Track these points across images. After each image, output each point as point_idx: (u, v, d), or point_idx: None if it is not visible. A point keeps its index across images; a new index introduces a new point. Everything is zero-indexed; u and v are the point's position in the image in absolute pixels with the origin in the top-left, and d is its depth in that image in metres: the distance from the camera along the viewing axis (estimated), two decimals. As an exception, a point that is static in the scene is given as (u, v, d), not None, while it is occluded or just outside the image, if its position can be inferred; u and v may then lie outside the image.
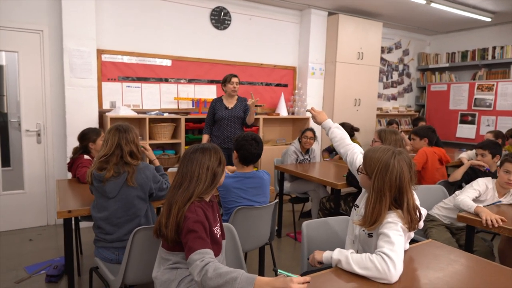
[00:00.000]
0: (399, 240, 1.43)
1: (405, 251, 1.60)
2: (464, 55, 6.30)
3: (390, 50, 6.49)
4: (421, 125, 5.06)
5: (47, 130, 3.88)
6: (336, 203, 3.07)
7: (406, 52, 6.73)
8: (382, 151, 1.61)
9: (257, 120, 4.65)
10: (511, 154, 2.58)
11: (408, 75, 6.84)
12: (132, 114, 4.04)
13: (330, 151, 4.50)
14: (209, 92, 4.79)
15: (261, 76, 5.19)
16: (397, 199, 1.56)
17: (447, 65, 6.49)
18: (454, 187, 3.38)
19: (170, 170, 3.41)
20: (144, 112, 4.27)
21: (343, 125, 4.30)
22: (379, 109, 6.33)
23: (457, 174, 3.23)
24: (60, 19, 3.74)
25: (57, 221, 4.03)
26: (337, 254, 1.46)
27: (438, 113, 6.32)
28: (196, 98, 4.58)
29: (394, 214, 1.53)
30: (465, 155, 4.16)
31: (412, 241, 1.70)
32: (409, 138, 5.17)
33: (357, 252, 1.62)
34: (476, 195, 2.53)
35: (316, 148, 4.43)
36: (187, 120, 4.31)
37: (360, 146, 4.24)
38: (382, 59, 6.31)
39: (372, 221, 1.53)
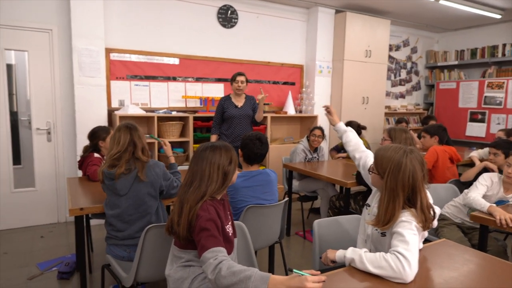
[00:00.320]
0: (414, 239, 1.42)
1: (419, 251, 1.59)
2: (473, 52, 6.24)
3: (398, 48, 6.45)
4: (431, 123, 5.02)
5: (57, 129, 3.91)
6: (346, 201, 3.06)
7: (414, 50, 6.68)
8: (394, 150, 1.60)
9: (264, 118, 4.64)
10: None
11: (417, 73, 6.78)
12: (141, 112, 4.06)
13: (338, 149, 4.48)
14: (216, 91, 4.79)
15: (269, 74, 5.18)
16: (410, 198, 1.55)
17: (456, 62, 6.43)
18: (465, 186, 3.35)
19: (178, 168, 3.42)
20: (152, 110, 4.29)
21: (350, 123, 4.28)
22: (387, 107, 6.29)
23: (470, 174, 3.20)
24: (69, 18, 3.76)
25: (68, 219, 4.07)
26: (350, 253, 1.46)
27: (447, 111, 6.26)
28: (204, 97, 4.58)
29: (408, 213, 1.52)
30: (476, 154, 4.12)
31: (425, 241, 1.69)
32: (419, 137, 5.14)
33: (370, 251, 1.61)
34: (485, 190, 2.53)
35: (324, 146, 4.41)
36: (195, 119, 4.31)
37: (368, 144, 4.25)
38: (390, 57, 6.26)
39: (386, 221, 1.52)
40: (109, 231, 2.11)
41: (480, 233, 2.30)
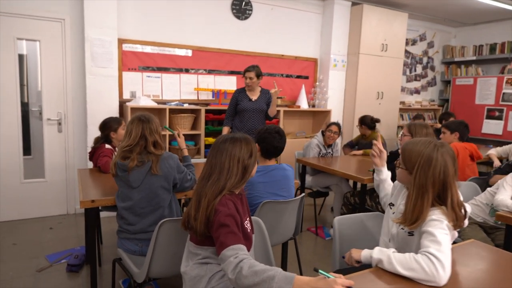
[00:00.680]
0: (446, 240, 1.33)
1: (449, 251, 1.49)
2: (492, 47, 6.05)
3: (414, 42, 6.29)
4: (451, 120, 4.88)
5: (68, 119, 3.87)
6: (362, 198, 2.96)
7: (430, 45, 6.51)
8: (423, 144, 1.51)
9: (277, 112, 4.54)
10: None
11: (432, 68, 6.62)
12: (152, 104, 3.99)
13: (352, 145, 4.37)
14: (229, 83, 4.71)
15: (282, 67, 5.07)
16: (440, 195, 1.46)
17: (474, 58, 6.25)
18: (485, 184, 3.22)
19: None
20: (164, 102, 4.22)
21: (364, 118, 4.17)
22: (402, 103, 6.14)
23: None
24: (82, 8, 3.70)
25: (77, 210, 4.04)
26: (377, 253, 1.37)
27: (463, 108, 6.10)
28: (216, 89, 4.50)
29: (438, 211, 1.43)
30: (494, 152, 3.99)
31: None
32: (435, 133, 5.01)
33: (395, 252, 1.52)
34: None
35: (338, 141, 4.30)
36: (207, 111, 4.24)
37: (383, 139, 4.13)
38: (405, 51, 6.11)
39: (413, 219, 1.43)
40: (121, 224, 2.05)
41: (506, 233, 2.19)
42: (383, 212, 2.92)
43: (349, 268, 1.59)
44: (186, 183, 2.17)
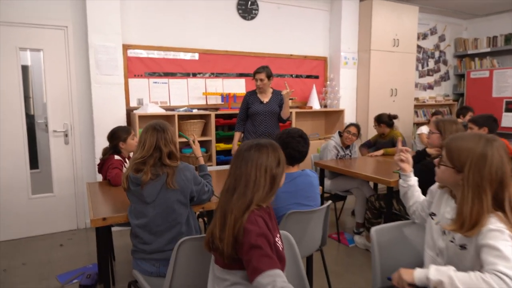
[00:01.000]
0: (512, 253, 1.16)
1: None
2: (507, 38, 5.84)
3: (425, 36, 6.09)
4: (469, 115, 4.68)
5: (75, 130, 3.73)
6: (388, 202, 2.78)
7: (442, 38, 6.31)
8: (473, 139, 1.35)
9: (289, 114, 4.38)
10: None
11: (445, 62, 6.42)
12: (161, 111, 3.85)
13: (369, 145, 4.19)
14: (238, 87, 4.56)
15: (291, 67, 4.91)
16: (496, 197, 1.29)
17: (488, 50, 6.04)
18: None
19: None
20: (172, 109, 4.08)
21: (381, 116, 3.99)
22: (416, 99, 5.95)
23: None
24: (85, 14, 3.57)
25: (87, 225, 3.89)
26: (435, 273, 1.20)
27: (480, 102, 5.88)
28: (225, 93, 4.35)
29: (495, 218, 1.25)
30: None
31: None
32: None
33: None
34: None
35: (355, 142, 4.12)
36: (217, 116, 4.09)
37: (403, 137, 3.94)
38: (417, 46, 5.90)
39: (472, 224, 1.26)
40: (135, 243, 1.90)
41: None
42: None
43: (390, 287, 1.41)
44: (203, 196, 2.02)
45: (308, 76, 5.06)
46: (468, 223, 1.26)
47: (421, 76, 6.16)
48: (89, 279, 2.66)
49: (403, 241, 1.68)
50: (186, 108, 4.05)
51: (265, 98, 3.69)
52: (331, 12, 5.09)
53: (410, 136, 5.43)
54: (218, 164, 4.04)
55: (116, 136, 2.81)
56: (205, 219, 2.93)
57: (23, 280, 2.83)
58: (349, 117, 5.07)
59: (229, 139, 4.25)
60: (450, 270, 1.18)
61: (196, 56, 4.27)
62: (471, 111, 4.71)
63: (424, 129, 4.87)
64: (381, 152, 3.78)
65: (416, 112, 6.02)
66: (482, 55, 6.20)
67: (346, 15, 4.96)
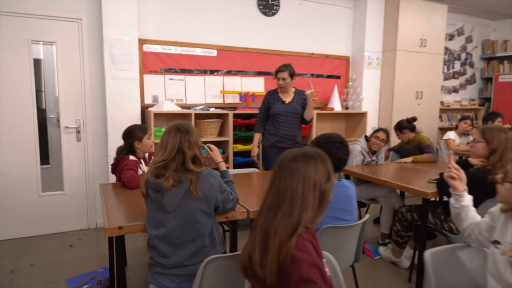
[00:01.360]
0: None
1: None
2: (540, 40, 5.54)
3: (451, 37, 5.82)
4: (498, 121, 4.42)
5: (87, 127, 3.58)
6: (423, 215, 2.56)
7: (469, 39, 6.03)
8: None
9: (310, 115, 4.17)
10: None
11: (471, 65, 6.13)
12: (177, 109, 3.68)
13: (396, 151, 3.97)
14: (256, 85, 4.36)
15: (312, 67, 4.70)
16: None
17: (519, 52, 5.75)
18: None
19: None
20: (188, 107, 3.90)
21: (400, 123, 3.75)
22: (440, 103, 5.67)
23: None
24: (100, 6, 3.41)
25: (98, 225, 3.74)
26: None
27: (508, 107, 5.59)
28: (244, 92, 4.15)
29: None
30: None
31: None
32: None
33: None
34: None
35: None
36: (235, 116, 3.90)
37: (430, 142, 3.69)
38: (443, 47, 5.65)
39: None
40: (153, 256, 1.71)
41: None
42: (451, 232, 2.53)
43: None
44: (228, 204, 1.83)
45: (329, 76, 4.84)
46: None
47: (446, 78, 5.89)
48: (99, 285, 2.50)
49: (459, 267, 1.47)
50: (203, 106, 3.87)
51: (287, 98, 3.49)
52: (355, 10, 4.86)
53: (435, 142, 5.17)
54: (235, 166, 3.85)
55: (132, 135, 2.64)
56: (226, 227, 2.75)
57: (31, 282, 2.68)
58: (371, 120, 4.84)
59: (247, 140, 4.07)
60: None
61: (214, 52, 4.08)
62: (501, 117, 4.45)
63: (452, 135, 4.63)
64: (410, 159, 3.54)
65: (440, 117, 5.75)
66: (511, 58, 5.91)
67: (371, 13, 4.73)
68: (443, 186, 2.42)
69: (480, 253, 1.45)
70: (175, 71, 3.91)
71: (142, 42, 3.68)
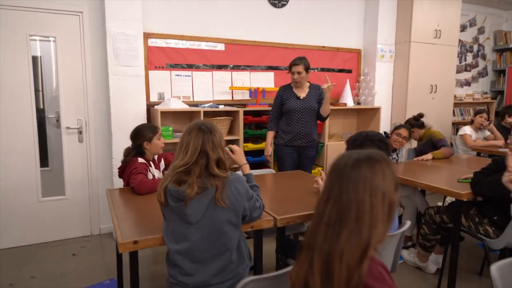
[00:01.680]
0: None
1: None
2: (555, 31, 5.36)
3: (464, 28, 5.63)
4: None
5: (90, 127, 3.37)
6: (454, 217, 2.37)
7: (481, 30, 5.84)
8: None
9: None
10: None
11: (483, 57, 5.94)
12: (184, 107, 3.47)
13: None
14: (266, 80, 4.16)
15: (323, 60, 4.49)
16: None
17: (533, 43, 5.57)
18: None
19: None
20: (196, 104, 3.70)
21: (408, 123, 3.56)
22: (453, 96, 5.50)
23: None
24: (101, -3, 3.20)
25: (102, 231, 3.55)
26: None
27: (523, 100, 5.43)
28: (254, 87, 3.95)
29: None
30: None
31: None
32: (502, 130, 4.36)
33: None
34: None
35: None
36: (245, 113, 3.69)
37: (441, 136, 3.50)
38: (455, 38, 5.46)
39: None
40: (174, 274, 1.51)
41: None
42: (487, 236, 2.34)
43: None
44: (254, 213, 1.64)
45: (340, 70, 4.64)
46: None
47: (458, 71, 5.69)
48: (108, 301, 2.30)
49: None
50: (211, 103, 3.67)
51: (302, 93, 3.29)
52: (367, 0, 4.65)
53: (449, 138, 4.99)
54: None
55: (141, 135, 2.44)
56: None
57: (33, 298, 2.49)
58: (383, 116, 4.64)
59: (258, 139, 3.87)
60: None
61: (221, 46, 3.87)
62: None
63: (468, 130, 4.43)
64: (430, 156, 3.35)
65: (452, 111, 5.56)
66: (525, 50, 5.74)
67: (383, 3, 4.53)
68: (479, 185, 2.24)
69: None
70: (181, 67, 3.70)
71: (146, 36, 3.46)
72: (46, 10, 3.11)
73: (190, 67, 3.73)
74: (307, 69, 3.23)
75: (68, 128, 3.31)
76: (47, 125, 3.63)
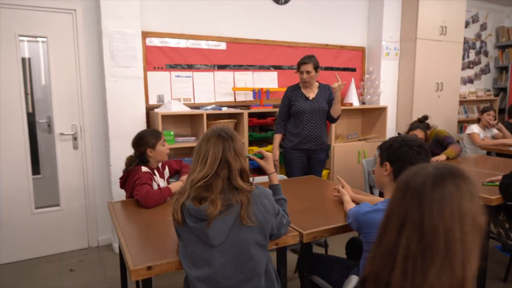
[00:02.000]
0: None
1: None
2: (559, 26, 5.28)
3: (466, 24, 5.51)
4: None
5: (85, 133, 3.16)
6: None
7: (483, 27, 5.74)
8: None
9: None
10: None
11: (486, 54, 5.85)
12: (186, 110, 3.28)
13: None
14: (269, 80, 3.98)
15: (327, 59, 4.33)
16: None
17: (535, 39, 5.49)
18: None
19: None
20: (197, 106, 3.50)
21: (412, 126, 3.41)
22: (457, 94, 5.39)
23: None
24: (96, -6, 2.99)
25: (100, 242, 3.33)
26: None
27: (527, 97, 5.35)
28: (257, 88, 3.77)
29: None
30: None
31: None
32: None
33: None
34: None
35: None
36: (250, 115, 3.51)
37: (447, 133, 3.37)
38: (458, 35, 5.34)
39: None
40: (196, 304, 1.33)
41: None
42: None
43: None
44: (281, 230, 1.46)
45: (344, 69, 4.49)
46: None
47: (461, 68, 5.58)
48: (113, 325, 2.10)
49: None
50: (214, 106, 3.48)
51: (311, 94, 3.13)
52: (371, -4, 4.51)
53: (456, 137, 4.87)
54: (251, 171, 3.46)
55: (144, 142, 2.25)
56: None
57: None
58: (390, 115, 4.50)
59: (263, 142, 3.70)
60: None
61: (223, 45, 3.68)
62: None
63: (476, 129, 4.31)
64: (443, 156, 3.21)
65: (457, 109, 5.46)
66: (527, 46, 5.66)
67: (388, -1, 4.39)
68: (511, 190, 2.10)
69: None
70: (181, 67, 3.50)
71: (145, 35, 3.26)
72: (37, 8, 2.89)
73: (190, 67, 3.54)
74: (316, 68, 3.06)
75: (62, 134, 3.09)
76: (37, 131, 3.43)
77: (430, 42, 4.47)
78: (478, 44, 5.71)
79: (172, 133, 3.15)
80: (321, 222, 1.72)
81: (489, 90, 5.89)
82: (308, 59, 3.04)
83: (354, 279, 1.17)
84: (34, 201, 3.09)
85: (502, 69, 5.91)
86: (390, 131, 4.50)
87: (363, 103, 4.52)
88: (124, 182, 2.25)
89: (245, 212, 1.27)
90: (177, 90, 3.50)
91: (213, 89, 3.67)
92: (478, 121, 4.48)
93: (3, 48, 2.82)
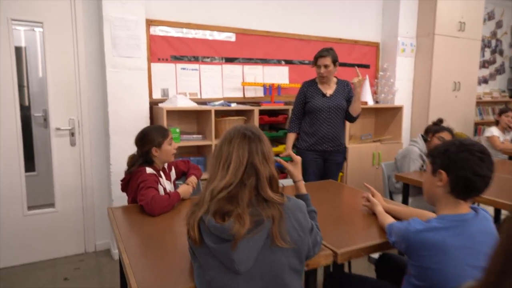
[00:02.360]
0: None
1: None
2: None
3: (483, 21, 5.28)
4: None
5: (83, 128, 2.91)
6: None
7: (499, 24, 5.52)
8: None
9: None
10: None
11: (501, 53, 5.63)
12: (193, 105, 3.04)
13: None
14: (280, 76, 3.74)
15: (340, 54, 3.96)
16: None
17: (554, 39, 5.27)
18: None
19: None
20: (204, 102, 3.26)
21: (429, 130, 3.16)
22: (472, 94, 5.17)
23: None
24: (97, -23, 2.74)
25: (98, 247, 3.10)
26: None
27: (545, 99, 5.13)
28: (268, 83, 3.53)
29: None
30: None
31: None
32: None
33: None
34: None
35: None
36: (261, 113, 3.28)
37: (465, 135, 3.15)
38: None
39: None
40: None
41: None
42: None
43: None
44: (316, 248, 1.23)
45: (358, 65, 4.24)
46: None
47: (477, 68, 5.37)
48: None
49: None
50: (222, 101, 3.24)
51: (329, 90, 2.89)
52: (386, -11, 4.27)
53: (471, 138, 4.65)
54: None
55: (149, 140, 2.01)
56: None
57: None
58: (405, 115, 4.28)
59: (273, 142, 3.47)
60: None
61: (232, 37, 3.44)
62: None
63: (495, 131, 4.11)
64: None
65: (472, 110, 5.24)
66: (545, 45, 5.44)
67: (404, -8, 4.16)
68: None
69: None
70: (187, 59, 3.26)
71: (149, 23, 3.01)
72: (31, -9, 2.64)
73: (197, 59, 3.30)
74: (335, 61, 2.83)
75: (58, 129, 2.85)
76: (33, 125, 3.20)
77: (448, 38, 4.24)
78: (493, 42, 5.49)
79: (178, 130, 2.91)
80: (355, 238, 1.49)
81: (504, 91, 5.67)
82: (326, 52, 2.81)
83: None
84: (28, 200, 2.85)
85: (518, 69, 5.69)
86: (405, 132, 4.28)
87: (377, 102, 4.30)
88: (126, 184, 2.02)
89: (277, 230, 1.04)
90: (183, 83, 3.26)
91: (220, 84, 3.43)
92: (496, 123, 4.27)
93: (-6, 34, 2.57)
